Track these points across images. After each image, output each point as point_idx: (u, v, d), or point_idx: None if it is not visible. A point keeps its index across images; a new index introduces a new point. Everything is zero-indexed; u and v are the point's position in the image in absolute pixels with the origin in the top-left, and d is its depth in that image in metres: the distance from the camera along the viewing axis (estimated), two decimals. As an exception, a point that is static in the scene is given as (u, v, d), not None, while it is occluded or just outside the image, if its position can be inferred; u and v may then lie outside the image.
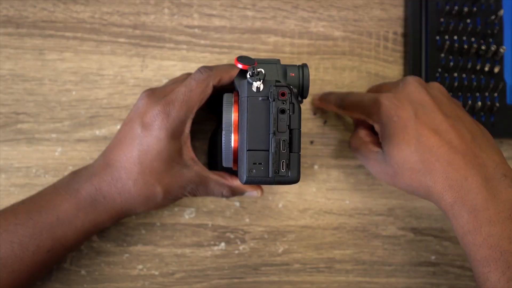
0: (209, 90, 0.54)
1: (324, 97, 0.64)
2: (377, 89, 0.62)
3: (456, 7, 0.65)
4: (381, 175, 0.58)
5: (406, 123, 0.54)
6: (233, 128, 0.50)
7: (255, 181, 0.47)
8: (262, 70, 0.47)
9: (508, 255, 0.48)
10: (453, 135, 0.52)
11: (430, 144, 0.52)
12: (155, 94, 0.55)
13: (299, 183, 0.64)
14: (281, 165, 0.46)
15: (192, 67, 0.65)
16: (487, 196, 0.50)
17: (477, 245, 0.50)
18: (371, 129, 0.61)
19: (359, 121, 0.62)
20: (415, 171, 0.53)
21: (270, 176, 0.47)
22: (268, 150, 0.47)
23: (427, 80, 0.64)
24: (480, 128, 0.55)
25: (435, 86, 0.57)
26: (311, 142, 0.66)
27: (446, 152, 0.52)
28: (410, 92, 0.55)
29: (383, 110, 0.55)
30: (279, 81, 0.48)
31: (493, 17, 0.65)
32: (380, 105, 0.56)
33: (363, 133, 0.61)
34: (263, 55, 0.66)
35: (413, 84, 0.56)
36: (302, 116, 0.65)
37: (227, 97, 0.51)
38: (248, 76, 0.47)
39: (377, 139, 0.58)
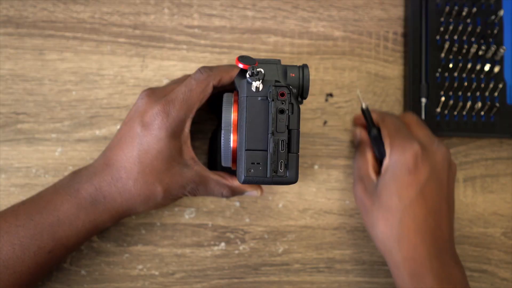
0: (209, 90, 0.54)
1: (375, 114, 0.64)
2: (411, 122, 0.62)
3: (456, 7, 0.65)
4: (358, 200, 0.61)
5: (413, 184, 0.56)
6: (232, 128, 0.50)
7: (253, 181, 0.47)
8: (262, 70, 0.47)
9: None
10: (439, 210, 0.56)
11: (415, 212, 0.55)
12: (155, 94, 0.55)
13: (299, 183, 0.64)
14: (279, 165, 0.46)
15: (192, 67, 0.65)
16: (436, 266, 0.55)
17: None
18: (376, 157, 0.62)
19: (370, 147, 0.62)
20: (388, 225, 0.56)
21: (268, 176, 0.47)
22: (267, 150, 0.47)
23: (427, 80, 0.65)
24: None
25: (453, 167, 0.60)
26: (325, 123, 0.66)
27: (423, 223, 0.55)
28: (440, 161, 0.57)
29: (406, 157, 0.56)
30: (278, 81, 0.48)
31: (493, 17, 0.65)
32: (408, 149, 0.57)
33: (370, 156, 0.61)
34: (263, 55, 0.66)
35: (446, 154, 0.58)
36: (302, 116, 0.65)
37: (227, 97, 0.52)
38: (247, 75, 0.47)
39: (378, 169, 0.60)
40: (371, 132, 0.61)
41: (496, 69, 0.64)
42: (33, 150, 0.64)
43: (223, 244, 0.64)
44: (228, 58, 0.66)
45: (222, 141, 0.51)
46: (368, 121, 0.62)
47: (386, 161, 0.58)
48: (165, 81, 0.65)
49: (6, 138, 0.63)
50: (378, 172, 0.60)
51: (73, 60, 0.65)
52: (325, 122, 0.66)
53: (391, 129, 0.59)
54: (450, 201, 0.58)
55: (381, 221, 0.57)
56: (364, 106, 0.62)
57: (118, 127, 0.64)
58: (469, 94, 0.64)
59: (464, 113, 0.64)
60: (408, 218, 0.55)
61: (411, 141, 0.57)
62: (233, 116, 0.50)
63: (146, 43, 0.65)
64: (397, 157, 0.57)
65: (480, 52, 0.64)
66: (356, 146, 0.64)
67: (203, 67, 0.54)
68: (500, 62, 0.65)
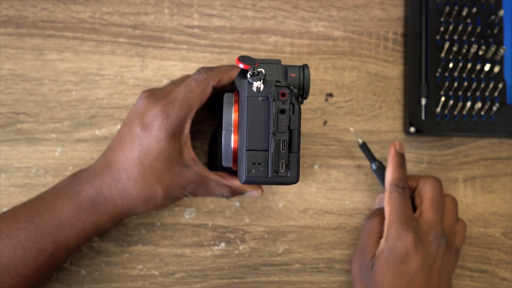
0: (208, 91, 0.54)
1: (400, 156, 0.62)
2: (424, 197, 0.60)
3: (456, 7, 0.65)
4: (353, 272, 0.60)
5: (404, 273, 0.56)
6: (233, 128, 0.50)
7: (254, 181, 0.47)
8: (263, 70, 0.47)
9: None
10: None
11: None
12: (154, 95, 0.55)
13: (299, 183, 0.64)
14: (280, 165, 0.46)
15: (192, 67, 0.65)
16: None
17: None
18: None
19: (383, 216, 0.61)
20: None
21: (269, 176, 0.47)
22: (268, 150, 0.47)
23: (427, 80, 0.65)
24: None
25: (452, 259, 0.59)
26: (325, 123, 0.66)
27: None
28: (432, 253, 0.57)
29: (400, 245, 0.56)
30: (279, 82, 0.48)
31: (493, 17, 0.65)
32: (402, 237, 0.57)
33: (376, 221, 0.61)
34: (263, 55, 0.66)
35: (440, 247, 0.57)
36: (302, 116, 0.65)
37: (227, 97, 0.52)
38: (248, 76, 0.47)
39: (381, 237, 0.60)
40: (372, 166, 0.63)
41: (496, 69, 0.64)
42: (33, 150, 0.64)
43: (223, 244, 0.64)
44: (228, 58, 0.66)
45: (223, 141, 0.51)
46: (367, 156, 0.63)
47: (382, 241, 0.58)
48: (165, 81, 0.65)
49: (6, 138, 0.63)
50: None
51: (73, 60, 0.65)
52: (325, 122, 0.66)
53: (392, 210, 0.58)
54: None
55: None
56: (360, 142, 0.63)
57: (118, 127, 0.64)
58: (469, 94, 0.64)
59: (464, 113, 0.64)
60: None
61: (407, 229, 0.56)
62: (234, 116, 0.50)
63: (146, 43, 0.65)
64: (392, 243, 0.57)
65: (480, 52, 0.64)
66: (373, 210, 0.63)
67: (203, 68, 0.54)
68: (500, 62, 0.65)
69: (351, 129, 0.65)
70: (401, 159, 0.61)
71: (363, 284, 0.58)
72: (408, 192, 0.60)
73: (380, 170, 0.62)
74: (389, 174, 0.60)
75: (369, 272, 0.58)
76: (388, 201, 0.59)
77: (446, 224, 0.59)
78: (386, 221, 0.58)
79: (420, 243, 0.56)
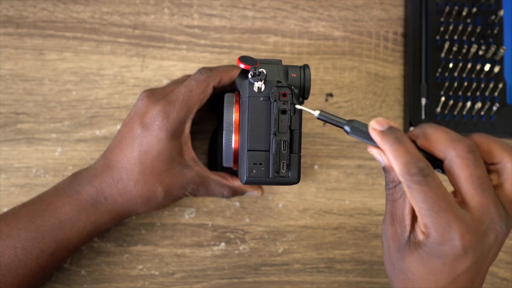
0: (209, 91, 0.54)
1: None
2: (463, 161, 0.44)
3: (456, 7, 0.65)
4: (385, 244, 0.47)
5: (446, 273, 0.43)
6: (234, 128, 0.50)
7: (255, 181, 0.47)
8: (264, 71, 0.47)
9: None
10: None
11: None
12: (154, 95, 0.55)
13: (299, 183, 0.64)
14: (281, 165, 0.46)
15: (192, 67, 0.65)
16: None
17: None
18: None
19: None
20: None
21: (270, 176, 0.47)
22: (269, 151, 0.47)
23: (427, 80, 0.65)
24: None
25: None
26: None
27: None
28: (487, 247, 0.44)
29: (447, 247, 0.42)
30: (280, 82, 0.48)
31: (493, 17, 0.65)
32: (450, 237, 0.42)
33: (403, 196, 0.46)
34: (263, 55, 0.66)
35: (503, 234, 0.44)
36: (302, 116, 0.64)
37: (228, 97, 0.52)
38: (249, 76, 0.47)
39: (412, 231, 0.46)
40: (345, 129, 0.46)
41: (496, 69, 0.64)
42: (33, 150, 0.63)
43: (223, 244, 0.64)
44: (228, 58, 0.66)
45: (224, 141, 0.51)
46: (333, 123, 0.46)
47: (420, 236, 0.44)
48: (165, 81, 0.65)
49: (6, 138, 0.63)
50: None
51: (73, 60, 0.65)
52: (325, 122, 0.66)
53: (423, 209, 0.42)
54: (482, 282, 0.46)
55: (400, 284, 0.46)
56: (316, 114, 0.46)
57: (118, 127, 0.64)
58: (469, 94, 0.64)
59: (464, 113, 0.64)
60: None
61: (456, 223, 0.42)
62: (235, 116, 0.50)
63: (146, 43, 0.65)
64: (436, 240, 0.43)
65: (480, 52, 0.64)
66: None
67: (203, 68, 0.55)
68: (500, 62, 0.65)
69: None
70: (395, 134, 0.44)
71: (393, 263, 0.46)
72: (434, 172, 0.43)
73: (358, 132, 0.45)
74: (394, 162, 0.43)
75: (402, 250, 0.45)
76: (412, 199, 0.43)
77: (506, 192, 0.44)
78: (421, 220, 0.43)
79: (471, 241, 0.42)
